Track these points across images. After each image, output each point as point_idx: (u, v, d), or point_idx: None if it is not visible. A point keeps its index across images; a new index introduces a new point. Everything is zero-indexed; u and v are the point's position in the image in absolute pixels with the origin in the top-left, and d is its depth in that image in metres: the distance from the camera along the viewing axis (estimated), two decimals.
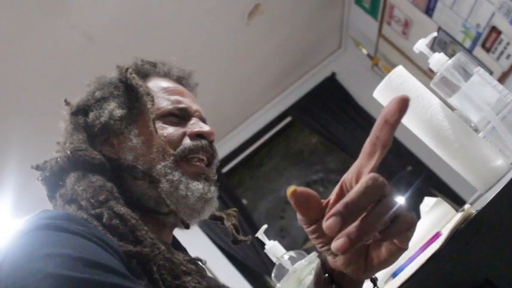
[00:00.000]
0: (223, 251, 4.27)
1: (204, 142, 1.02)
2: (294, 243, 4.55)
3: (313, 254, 1.05)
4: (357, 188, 0.53)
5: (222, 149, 4.56)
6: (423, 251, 0.87)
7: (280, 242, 1.13)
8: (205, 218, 1.04)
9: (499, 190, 0.77)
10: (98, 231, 0.79)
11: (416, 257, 0.88)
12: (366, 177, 0.53)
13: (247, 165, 4.80)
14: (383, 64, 4.29)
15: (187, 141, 1.00)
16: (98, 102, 1.03)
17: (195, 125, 1.04)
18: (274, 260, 1.09)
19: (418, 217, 1.20)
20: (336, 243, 0.51)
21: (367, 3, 3.82)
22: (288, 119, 4.75)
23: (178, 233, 1.14)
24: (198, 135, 1.02)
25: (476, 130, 1.00)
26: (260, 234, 1.11)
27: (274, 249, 1.09)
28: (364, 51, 4.39)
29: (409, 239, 0.58)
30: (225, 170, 4.56)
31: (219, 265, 4.05)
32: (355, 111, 4.52)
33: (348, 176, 0.59)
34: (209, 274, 0.99)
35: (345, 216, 0.51)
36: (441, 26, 3.26)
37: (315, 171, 4.87)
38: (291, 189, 0.56)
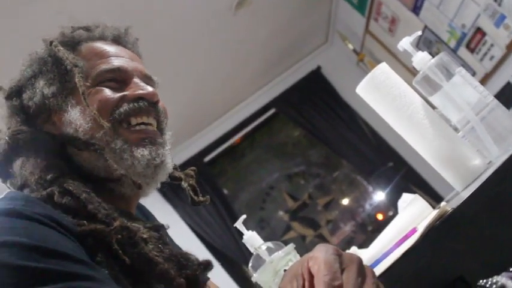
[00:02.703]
0: (203, 239, 4.28)
1: (142, 103, 0.95)
2: (273, 234, 4.57)
3: (291, 246, 1.05)
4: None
5: (205, 139, 4.56)
6: (399, 246, 0.89)
7: (259, 233, 1.13)
8: (163, 181, 0.98)
9: (475, 189, 0.79)
10: (56, 213, 0.76)
11: (391, 252, 0.89)
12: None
13: (230, 155, 4.80)
14: (368, 60, 4.31)
15: (125, 105, 0.94)
16: (29, 81, 0.98)
17: (135, 88, 0.97)
18: (251, 250, 1.09)
19: (396, 212, 1.22)
20: None
21: None
22: (272, 111, 4.75)
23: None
24: (138, 98, 0.96)
25: (455, 129, 1.01)
26: (238, 224, 1.11)
27: (252, 239, 1.09)
28: (350, 46, 4.40)
29: None
30: (207, 159, 4.55)
31: (197, 254, 4.05)
32: (339, 105, 4.54)
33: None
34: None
35: None
36: (427, 24, 3.28)
37: (297, 163, 4.88)
38: None
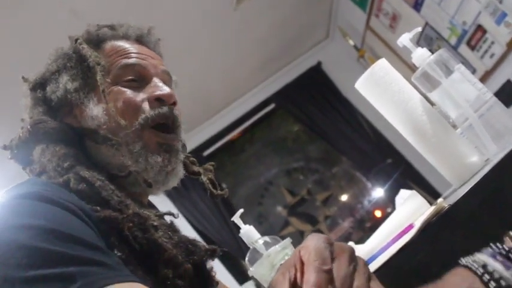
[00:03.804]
0: (200, 233, 4.28)
1: (164, 109, 0.99)
2: (271, 229, 4.58)
3: (287, 240, 1.06)
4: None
5: (204, 133, 4.56)
6: (395, 242, 0.89)
7: (257, 228, 1.14)
8: (174, 185, 1.03)
9: (472, 186, 0.79)
10: (74, 198, 0.80)
11: (388, 248, 0.89)
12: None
13: (229, 150, 4.80)
14: (369, 56, 4.31)
15: (146, 108, 0.98)
16: (53, 75, 1.02)
17: (155, 88, 1.01)
18: (248, 244, 1.10)
19: (394, 209, 1.22)
20: None
21: None
22: (272, 106, 4.75)
23: None
24: (158, 99, 1.00)
25: (454, 126, 1.02)
26: (236, 219, 1.11)
27: (249, 233, 1.10)
28: (351, 42, 4.39)
29: None
30: (206, 153, 4.55)
31: None
32: (339, 101, 4.53)
33: None
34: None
35: None
36: (428, 21, 3.27)
37: (296, 159, 4.89)
38: None
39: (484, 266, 0.52)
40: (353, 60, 4.58)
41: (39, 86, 1.03)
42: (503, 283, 0.50)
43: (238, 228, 1.12)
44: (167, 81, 1.08)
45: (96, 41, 1.06)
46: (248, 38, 3.95)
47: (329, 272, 0.53)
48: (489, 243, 0.80)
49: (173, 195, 4.25)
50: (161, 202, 4.16)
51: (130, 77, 1.01)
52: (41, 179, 0.89)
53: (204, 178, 1.13)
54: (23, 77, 1.06)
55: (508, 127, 0.96)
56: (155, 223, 0.85)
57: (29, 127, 0.96)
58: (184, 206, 4.27)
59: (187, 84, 3.96)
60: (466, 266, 0.53)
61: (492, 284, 0.50)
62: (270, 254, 1.03)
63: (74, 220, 0.74)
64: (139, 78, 1.02)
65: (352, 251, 0.58)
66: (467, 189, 0.79)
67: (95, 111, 0.97)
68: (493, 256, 0.53)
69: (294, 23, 4.19)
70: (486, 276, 0.51)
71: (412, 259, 0.79)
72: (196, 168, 1.13)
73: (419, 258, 0.79)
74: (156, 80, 1.03)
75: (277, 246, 1.04)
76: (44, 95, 1.02)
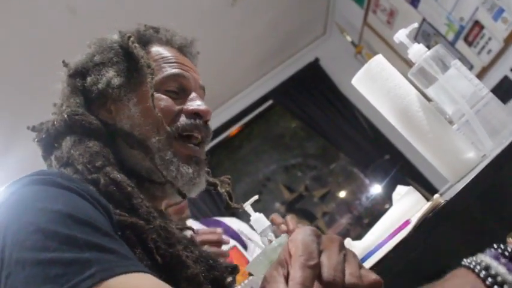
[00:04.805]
0: None
1: (198, 122, 1.01)
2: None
3: (284, 236, 1.05)
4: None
5: None
6: (392, 238, 0.89)
7: None
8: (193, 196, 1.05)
9: (468, 182, 0.79)
10: (89, 188, 0.80)
11: (385, 244, 0.89)
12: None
13: (227, 147, 4.80)
14: (366, 52, 4.30)
15: (182, 119, 1.00)
16: (97, 67, 1.02)
17: (193, 102, 1.03)
18: (258, 231, 1.10)
19: (392, 205, 1.22)
20: None
21: None
22: (269, 103, 4.74)
23: None
24: (195, 113, 1.02)
25: (450, 122, 1.01)
26: (247, 206, 1.12)
27: (259, 221, 1.10)
28: (349, 38, 4.39)
29: None
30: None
31: None
32: (337, 97, 4.53)
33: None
34: None
35: None
36: (425, 17, 3.27)
37: (294, 155, 4.89)
38: None
39: (487, 268, 0.50)
40: (350, 57, 4.58)
41: (79, 74, 1.03)
42: (506, 287, 0.49)
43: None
44: (202, 96, 1.09)
45: (143, 42, 1.06)
46: (245, 34, 3.94)
47: (315, 267, 0.54)
48: (485, 239, 0.80)
49: None
50: None
51: (172, 89, 1.02)
52: (54, 169, 0.90)
53: (221, 190, 1.15)
54: (63, 62, 1.06)
55: (504, 123, 0.96)
56: (178, 237, 0.86)
57: (66, 116, 0.95)
58: None
59: None
60: (468, 267, 0.52)
61: None
62: (266, 251, 1.03)
63: (89, 207, 0.74)
64: (180, 90, 1.04)
65: (341, 241, 0.58)
66: (464, 185, 0.79)
67: (132, 111, 0.98)
68: (496, 258, 0.51)
69: (291, 19, 4.18)
70: (489, 280, 0.49)
71: (408, 255, 0.79)
72: (211, 179, 1.15)
73: (415, 254, 0.78)
74: (194, 95, 1.05)
75: (274, 242, 1.04)
76: (83, 84, 1.02)
